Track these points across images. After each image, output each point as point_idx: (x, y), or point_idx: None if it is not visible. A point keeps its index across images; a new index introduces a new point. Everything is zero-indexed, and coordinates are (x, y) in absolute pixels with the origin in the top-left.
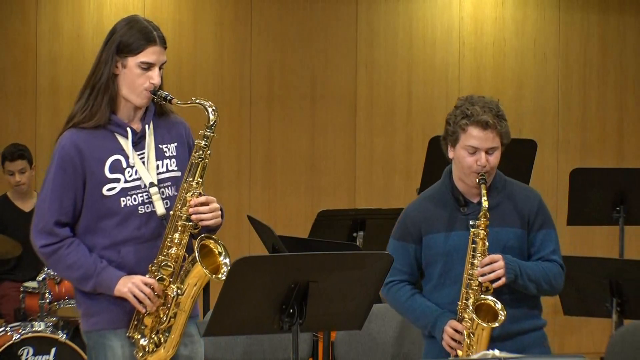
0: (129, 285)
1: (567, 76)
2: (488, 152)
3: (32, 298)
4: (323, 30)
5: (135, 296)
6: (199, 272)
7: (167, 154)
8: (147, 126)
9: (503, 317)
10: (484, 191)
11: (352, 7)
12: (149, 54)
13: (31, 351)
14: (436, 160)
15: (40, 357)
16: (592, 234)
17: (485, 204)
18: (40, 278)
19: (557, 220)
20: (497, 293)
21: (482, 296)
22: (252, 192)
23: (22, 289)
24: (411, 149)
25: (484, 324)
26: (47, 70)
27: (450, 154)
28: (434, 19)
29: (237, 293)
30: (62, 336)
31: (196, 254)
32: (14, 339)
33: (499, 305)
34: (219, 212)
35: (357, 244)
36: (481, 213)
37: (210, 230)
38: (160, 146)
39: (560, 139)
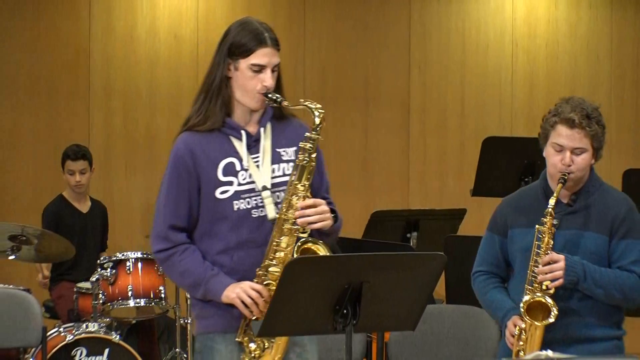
0: (237, 291)
1: (620, 77)
2: (574, 152)
3: (86, 299)
4: (376, 31)
5: (243, 301)
6: None
7: (284, 158)
8: (262, 129)
9: (553, 317)
10: (558, 189)
11: (405, 9)
12: (260, 56)
13: (84, 352)
14: (489, 161)
15: (93, 357)
16: None
17: (551, 201)
18: (93, 279)
19: None
20: (565, 296)
21: (538, 295)
22: None
23: (75, 290)
24: (464, 150)
25: (535, 323)
26: (100, 72)
27: (544, 152)
28: (486, 21)
29: (290, 294)
30: (115, 337)
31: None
32: (67, 339)
33: (550, 301)
34: (328, 215)
35: (411, 244)
36: (547, 210)
37: (323, 234)
38: (278, 150)
39: (613, 140)
